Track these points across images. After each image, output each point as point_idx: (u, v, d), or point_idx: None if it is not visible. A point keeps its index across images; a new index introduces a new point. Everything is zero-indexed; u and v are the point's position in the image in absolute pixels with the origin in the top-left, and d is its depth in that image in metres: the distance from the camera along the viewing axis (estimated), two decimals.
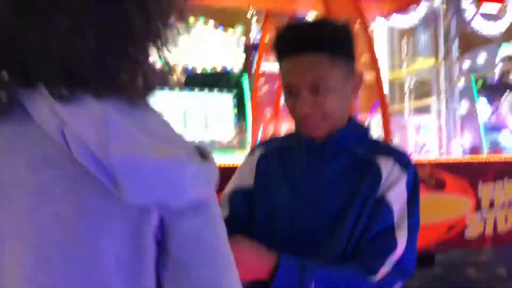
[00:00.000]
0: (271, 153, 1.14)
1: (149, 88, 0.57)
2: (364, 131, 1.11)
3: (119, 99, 0.53)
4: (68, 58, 0.51)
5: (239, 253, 0.85)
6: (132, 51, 0.54)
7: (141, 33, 0.54)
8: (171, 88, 5.08)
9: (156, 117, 0.56)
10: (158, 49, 0.58)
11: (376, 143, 1.10)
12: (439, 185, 2.32)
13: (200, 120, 5.88)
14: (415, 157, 4.70)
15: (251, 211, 1.11)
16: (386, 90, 7.25)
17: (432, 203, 2.32)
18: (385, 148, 1.08)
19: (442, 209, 2.34)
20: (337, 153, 1.06)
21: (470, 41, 7.23)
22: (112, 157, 0.48)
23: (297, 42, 0.99)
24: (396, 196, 1.00)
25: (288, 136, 1.16)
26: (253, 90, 5.47)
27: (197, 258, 0.54)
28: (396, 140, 6.87)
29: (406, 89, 7.71)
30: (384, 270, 0.97)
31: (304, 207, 1.04)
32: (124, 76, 0.54)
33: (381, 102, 2.32)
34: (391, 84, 7.49)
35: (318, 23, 1.05)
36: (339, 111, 1.03)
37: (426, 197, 2.35)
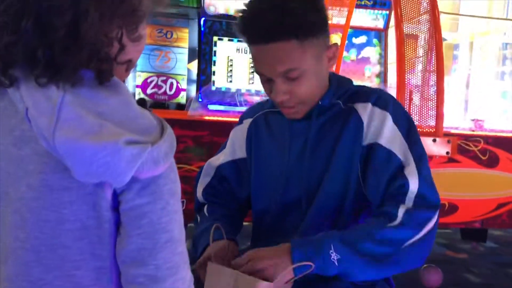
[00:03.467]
0: (258, 120, 1.15)
1: (104, 73, 0.61)
2: (346, 86, 1.08)
3: (81, 80, 0.58)
4: (7, 49, 0.57)
5: (261, 262, 0.89)
6: (76, 39, 0.57)
7: (82, 22, 0.57)
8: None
9: (116, 99, 0.60)
10: (118, 35, 0.62)
11: (355, 91, 1.07)
12: (492, 162, 2.23)
13: None
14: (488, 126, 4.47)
15: (240, 178, 1.15)
16: (466, 51, 6.82)
17: (481, 178, 2.25)
18: (362, 94, 1.05)
19: (492, 186, 2.26)
20: (321, 113, 1.05)
21: None
22: (57, 141, 0.55)
23: (263, 31, 0.92)
24: (390, 138, 0.98)
25: None
26: None
27: (138, 229, 0.60)
28: (473, 106, 6.48)
29: (489, 52, 7.15)
30: (403, 210, 0.93)
31: (293, 170, 1.05)
32: (66, 65, 0.58)
33: (437, 63, 2.20)
34: (471, 45, 6.96)
35: (284, 6, 0.92)
36: (316, 91, 1.01)
37: (475, 172, 2.30)
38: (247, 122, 1.17)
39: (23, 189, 0.60)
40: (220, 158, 1.18)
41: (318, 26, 0.97)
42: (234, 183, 1.15)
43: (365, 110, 1.00)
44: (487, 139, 2.26)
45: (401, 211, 0.93)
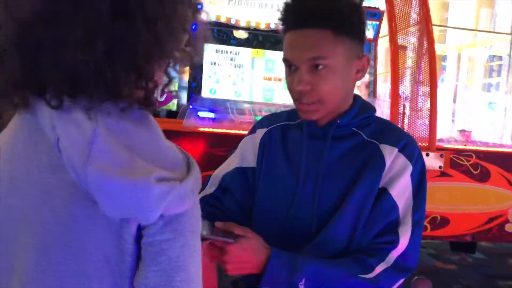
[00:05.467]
0: (274, 132, 1.12)
1: (149, 103, 0.61)
2: (369, 113, 1.07)
3: (113, 111, 0.58)
4: (76, 67, 0.56)
5: (238, 250, 0.92)
6: (137, 67, 0.58)
7: (147, 51, 0.58)
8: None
9: (145, 132, 0.60)
10: (166, 67, 0.62)
11: (381, 127, 1.05)
12: (483, 176, 2.26)
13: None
14: (476, 138, 4.51)
15: (246, 187, 1.11)
16: (454, 63, 6.94)
17: (472, 192, 2.28)
18: (390, 135, 1.03)
19: (483, 200, 2.28)
20: (339, 137, 1.04)
21: None
22: (88, 176, 0.55)
23: (302, 15, 0.96)
24: (401, 190, 0.99)
25: (292, 113, 1.11)
26: None
27: (155, 266, 0.59)
28: (460, 116, 6.57)
29: (476, 64, 7.27)
30: (382, 267, 0.96)
31: (303, 192, 1.03)
32: (125, 89, 0.58)
33: (430, 73, 2.23)
34: (459, 56, 7.08)
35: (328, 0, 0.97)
36: (337, 94, 0.99)
37: (467, 186, 2.32)
38: (261, 132, 1.14)
39: (46, 215, 0.59)
40: (225, 168, 1.15)
41: (355, 29, 0.98)
42: (238, 193, 1.12)
43: (390, 154, 1.00)
44: (479, 154, 2.29)
45: (379, 268, 0.96)
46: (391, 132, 1.05)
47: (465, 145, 2.45)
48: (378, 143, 1.02)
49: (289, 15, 0.98)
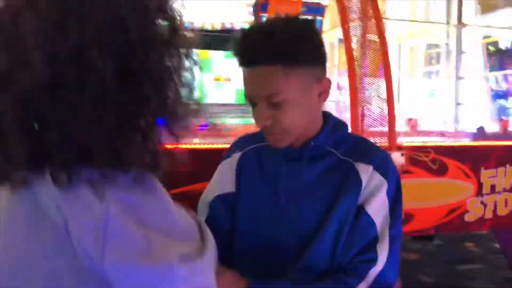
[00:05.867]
0: (250, 154, 1.11)
1: (157, 166, 0.57)
2: (342, 131, 1.08)
3: (122, 182, 0.54)
4: (84, 140, 0.51)
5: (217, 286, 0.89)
6: (142, 130, 0.55)
7: (154, 113, 0.55)
8: None
9: (155, 202, 0.56)
10: (169, 125, 0.58)
11: (355, 145, 1.06)
12: (442, 170, 2.33)
13: None
14: (425, 127, 4.66)
15: (232, 214, 1.10)
16: (395, 53, 7.15)
17: (433, 187, 2.34)
18: (364, 153, 1.04)
19: (442, 193, 2.36)
20: (315, 157, 1.04)
21: (490, 4, 6.99)
22: (107, 265, 0.50)
23: (251, 53, 0.95)
24: (378, 208, 0.99)
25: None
26: None
27: None
28: (404, 106, 6.80)
29: (417, 53, 7.56)
30: (362, 286, 0.96)
31: (284, 214, 1.03)
32: (133, 156, 0.54)
33: (385, 68, 2.27)
34: (399, 47, 7.33)
35: (274, 32, 0.95)
36: (300, 122, 0.99)
37: (427, 181, 2.39)
38: (236, 156, 1.13)
39: None
40: (208, 194, 1.13)
41: (306, 57, 0.96)
42: (225, 220, 1.09)
43: (365, 173, 1.00)
44: (437, 149, 2.35)
45: None
46: (364, 149, 1.06)
47: (412, 133, 2.51)
48: (353, 161, 1.02)
49: (239, 53, 0.97)
